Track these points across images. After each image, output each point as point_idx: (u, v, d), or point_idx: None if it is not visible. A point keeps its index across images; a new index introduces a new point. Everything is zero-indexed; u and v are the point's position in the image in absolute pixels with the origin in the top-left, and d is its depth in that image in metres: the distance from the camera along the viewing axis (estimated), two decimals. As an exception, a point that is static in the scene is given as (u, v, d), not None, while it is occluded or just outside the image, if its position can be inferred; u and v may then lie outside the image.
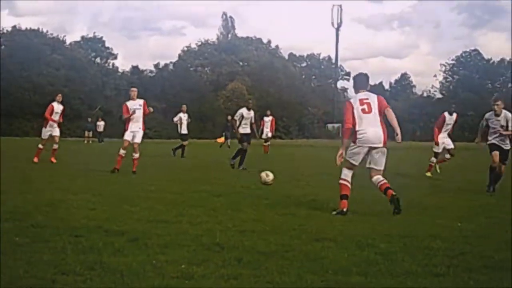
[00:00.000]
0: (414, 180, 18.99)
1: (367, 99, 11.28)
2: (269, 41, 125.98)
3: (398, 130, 11.32)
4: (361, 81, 11.67)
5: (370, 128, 11.05)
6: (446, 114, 21.06)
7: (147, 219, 9.67)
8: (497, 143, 15.47)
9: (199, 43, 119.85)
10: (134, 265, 6.42)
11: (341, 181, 11.31)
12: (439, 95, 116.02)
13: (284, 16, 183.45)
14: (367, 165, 11.30)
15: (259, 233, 8.54)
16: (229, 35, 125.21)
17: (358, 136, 11.11)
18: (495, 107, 15.39)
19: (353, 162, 11.26)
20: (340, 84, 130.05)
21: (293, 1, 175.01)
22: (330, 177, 19.36)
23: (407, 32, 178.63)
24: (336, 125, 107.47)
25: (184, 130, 32.23)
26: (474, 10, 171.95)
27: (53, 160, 23.38)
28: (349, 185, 11.28)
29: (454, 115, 21.18)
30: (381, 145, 11.12)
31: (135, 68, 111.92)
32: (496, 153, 15.44)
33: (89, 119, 65.64)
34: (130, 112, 19.43)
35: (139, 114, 19.70)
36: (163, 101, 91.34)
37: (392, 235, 8.52)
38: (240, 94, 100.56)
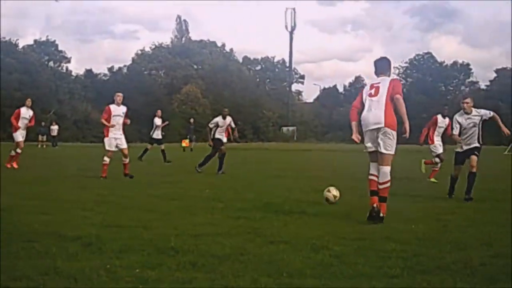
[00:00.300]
0: (365, 182, 19.03)
1: (378, 83, 10.70)
2: (223, 44, 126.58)
3: (406, 124, 10.47)
4: (380, 66, 11.02)
5: (372, 111, 10.53)
6: (439, 116, 20.53)
7: (101, 223, 9.61)
8: (464, 148, 14.65)
9: (153, 47, 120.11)
10: (88, 270, 6.37)
11: (369, 177, 10.79)
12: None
13: (239, 20, 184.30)
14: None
15: (213, 236, 8.52)
16: (183, 39, 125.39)
17: (361, 122, 10.75)
18: (464, 105, 14.56)
19: (367, 149, 10.75)
20: (295, 87, 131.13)
21: (247, 4, 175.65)
22: (283, 180, 19.50)
23: (361, 35, 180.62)
24: (291, 128, 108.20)
25: (159, 135, 32.28)
26: (427, 13, 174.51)
27: (15, 165, 23.09)
28: (375, 178, 10.64)
29: (447, 119, 20.30)
30: (381, 125, 10.38)
31: (88, 72, 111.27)
32: (459, 167, 14.84)
33: (43, 123, 64.78)
34: (111, 121, 19.25)
35: (121, 122, 19.55)
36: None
37: (347, 238, 8.55)
38: (195, 98, 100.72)
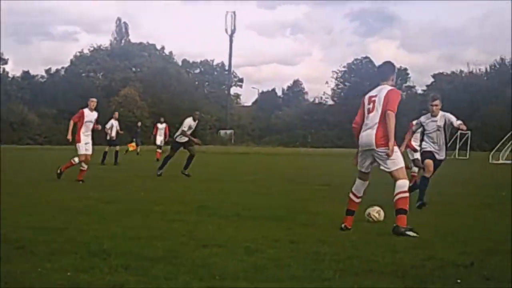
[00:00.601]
0: (301, 186, 19.16)
1: (375, 96, 9.87)
2: (163, 47, 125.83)
3: (391, 142, 9.57)
4: (381, 72, 10.24)
5: (365, 130, 9.82)
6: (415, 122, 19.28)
7: (34, 226, 9.51)
8: (432, 150, 13.80)
9: (92, 49, 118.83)
10: (19, 273, 6.30)
11: (349, 194, 10.16)
12: (330, 102, 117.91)
13: (178, 23, 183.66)
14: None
15: (146, 239, 8.50)
16: (123, 41, 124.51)
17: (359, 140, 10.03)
18: (433, 107, 13.56)
19: (359, 168, 10.05)
20: (233, 90, 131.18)
21: (187, 7, 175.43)
22: (220, 183, 19.52)
23: (300, 39, 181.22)
24: (228, 131, 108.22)
25: (114, 137, 32.53)
26: (366, 17, 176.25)
27: None
28: (355, 199, 10.08)
29: None
30: (372, 147, 9.66)
31: (26, 73, 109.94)
32: (430, 162, 13.69)
33: (-23, 125, 64.02)
34: (83, 126, 19.24)
35: (91, 127, 19.49)
36: (54, 106, 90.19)
37: (281, 241, 8.57)
38: (133, 100, 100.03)
